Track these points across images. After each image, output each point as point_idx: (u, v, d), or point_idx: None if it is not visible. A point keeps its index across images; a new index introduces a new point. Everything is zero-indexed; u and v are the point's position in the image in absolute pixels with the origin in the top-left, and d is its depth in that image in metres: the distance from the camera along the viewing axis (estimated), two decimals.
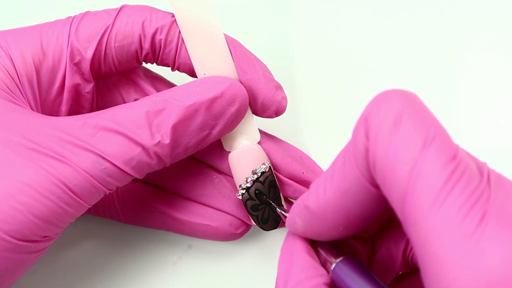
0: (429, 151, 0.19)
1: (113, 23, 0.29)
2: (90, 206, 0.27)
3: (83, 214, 0.28)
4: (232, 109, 0.28)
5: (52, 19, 0.30)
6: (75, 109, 0.31)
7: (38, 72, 0.28)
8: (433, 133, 0.19)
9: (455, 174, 0.18)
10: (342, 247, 0.25)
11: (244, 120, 0.30)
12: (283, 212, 0.29)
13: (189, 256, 0.34)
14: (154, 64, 0.31)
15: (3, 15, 0.40)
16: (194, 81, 0.29)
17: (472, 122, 0.37)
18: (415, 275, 0.25)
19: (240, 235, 0.32)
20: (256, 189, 0.30)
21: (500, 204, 0.18)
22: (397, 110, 0.20)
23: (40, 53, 0.28)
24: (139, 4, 0.30)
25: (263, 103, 0.30)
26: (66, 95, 0.30)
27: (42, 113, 0.29)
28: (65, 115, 0.30)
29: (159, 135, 0.27)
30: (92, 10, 0.30)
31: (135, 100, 0.31)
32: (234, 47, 0.30)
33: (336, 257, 0.23)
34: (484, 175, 0.19)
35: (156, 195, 0.32)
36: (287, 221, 0.24)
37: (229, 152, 0.31)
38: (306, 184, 0.31)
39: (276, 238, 0.34)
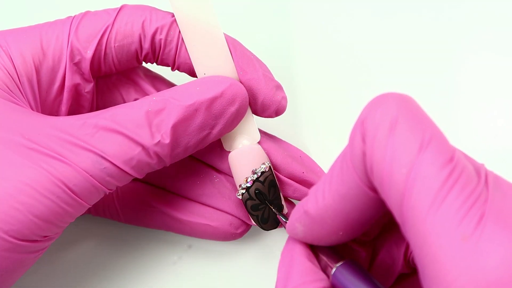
0: (425, 153, 0.19)
1: (113, 23, 0.29)
2: (90, 206, 0.27)
3: (83, 214, 0.28)
4: (232, 109, 0.28)
5: (52, 19, 0.30)
6: (75, 109, 0.31)
7: (38, 72, 0.28)
8: (429, 135, 0.19)
9: (452, 176, 0.18)
10: (343, 251, 0.25)
11: (244, 120, 0.30)
12: (283, 218, 0.30)
13: (189, 256, 0.34)
14: (154, 64, 0.31)
15: (3, 15, 0.40)
16: (194, 81, 0.29)
17: (472, 122, 0.37)
18: (415, 275, 0.25)
19: (240, 235, 0.32)
20: (256, 189, 0.30)
21: (498, 205, 0.18)
22: (393, 114, 0.20)
23: (40, 53, 0.28)
24: (139, 4, 0.30)
25: (263, 103, 0.30)
26: (66, 95, 0.30)
27: (42, 113, 0.29)
28: (65, 115, 0.30)
29: (159, 135, 0.27)
30: (92, 10, 0.30)
31: (135, 100, 0.31)
32: (234, 47, 0.30)
33: (336, 262, 0.23)
34: (482, 177, 0.19)
35: (156, 195, 0.32)
36: (287, 226, 0.24)
37: (229, 152, 0.31)
38: (306, 184, 0.31)
39: (276, 238, 0.34)
